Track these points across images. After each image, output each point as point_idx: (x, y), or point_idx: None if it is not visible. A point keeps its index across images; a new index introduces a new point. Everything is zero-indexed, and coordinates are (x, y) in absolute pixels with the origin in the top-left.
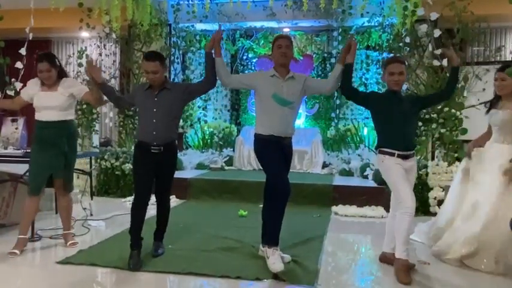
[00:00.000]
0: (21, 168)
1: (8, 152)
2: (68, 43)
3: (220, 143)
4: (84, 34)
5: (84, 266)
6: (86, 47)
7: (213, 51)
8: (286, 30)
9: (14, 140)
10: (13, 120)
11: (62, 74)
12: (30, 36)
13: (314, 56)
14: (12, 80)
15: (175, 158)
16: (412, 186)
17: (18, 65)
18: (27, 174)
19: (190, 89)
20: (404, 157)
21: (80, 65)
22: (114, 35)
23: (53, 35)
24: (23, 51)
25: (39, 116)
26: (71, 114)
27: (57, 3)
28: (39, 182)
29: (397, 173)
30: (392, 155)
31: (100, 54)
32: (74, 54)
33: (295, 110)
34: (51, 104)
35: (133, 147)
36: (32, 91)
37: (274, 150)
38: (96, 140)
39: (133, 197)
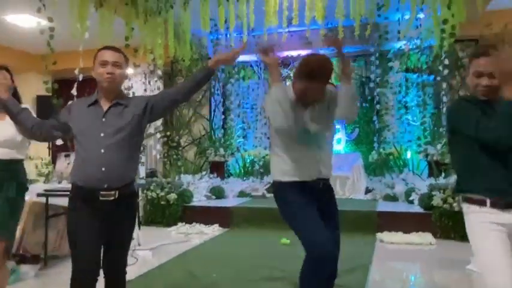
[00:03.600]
0: None
1: (62, 186)
2: None
3: (261, 170)
4: (130, 71)
5: None
6: (132, 84)
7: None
8: None
9: (68, 175)
10: (66, 156)
11: (17, 97)
12: (81, 77)
13: (352, 81)
14: None
15: (134, 210)
16: None
17: None
18: None
19: (153, 102)
20: (507, 206)
21: None
22: (159, 72)
23: None
24: (74, 91)
25: None
26: (23, 153)
27: (106, 44)
28: None
29: (494, 245)
30: (483, 204)
31: (145, 90)
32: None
33: (329, 144)
34: None
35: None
36: None
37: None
38: (142, 171)
39: (72, 270)
